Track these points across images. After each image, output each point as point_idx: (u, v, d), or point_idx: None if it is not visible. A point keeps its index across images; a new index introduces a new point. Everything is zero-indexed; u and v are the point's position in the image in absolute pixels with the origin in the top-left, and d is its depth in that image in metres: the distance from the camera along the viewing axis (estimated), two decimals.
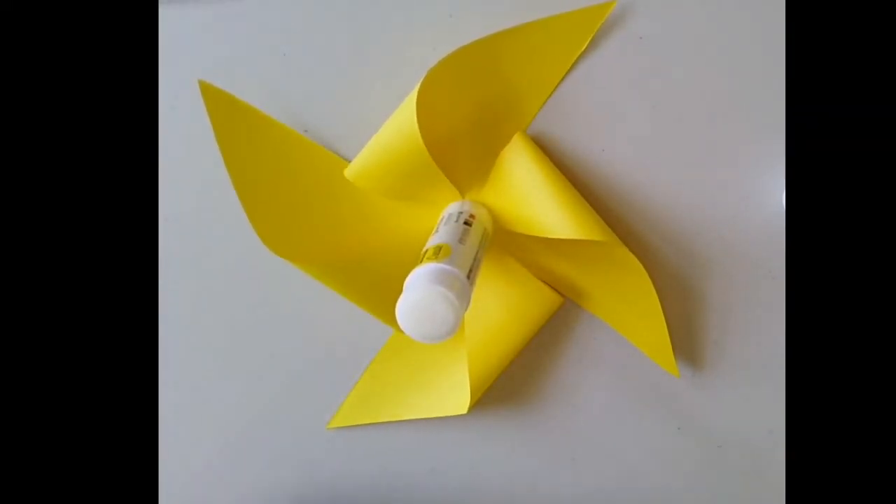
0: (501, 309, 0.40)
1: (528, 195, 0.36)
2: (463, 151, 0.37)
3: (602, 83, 0.36)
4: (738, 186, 0.37)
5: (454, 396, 0.40)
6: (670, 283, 0.39)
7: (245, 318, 0.44)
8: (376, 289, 0.39)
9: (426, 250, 0.33)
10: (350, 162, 0.38)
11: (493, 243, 0.37)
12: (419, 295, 0.30)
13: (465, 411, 0.40)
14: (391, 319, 0.31)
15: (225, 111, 0.38)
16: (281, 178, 0.39)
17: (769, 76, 0.35)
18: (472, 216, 0.36)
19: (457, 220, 0.35)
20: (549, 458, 0.44)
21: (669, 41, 0.35)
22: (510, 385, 0.43)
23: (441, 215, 0.37)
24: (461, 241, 0.33)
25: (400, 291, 0.31)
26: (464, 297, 0.30)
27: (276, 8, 0.37)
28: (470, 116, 0.37)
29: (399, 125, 0.35)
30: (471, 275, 0.32)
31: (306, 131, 0.39)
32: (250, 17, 0.38)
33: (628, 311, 0.39)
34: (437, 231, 0.35)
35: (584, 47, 0.36)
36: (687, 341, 0.40)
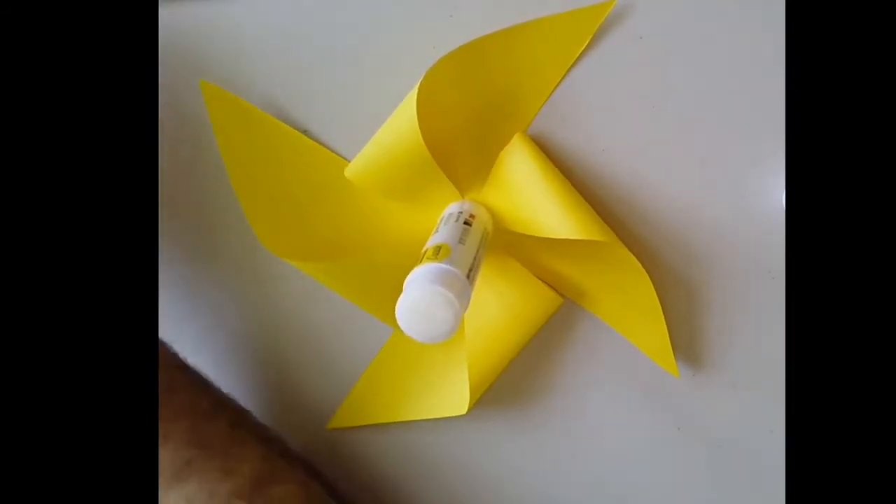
0: (501, 309, 0.40)
1: (528, 195, 0.36)
2: (463, 151, 0.37)
3: (602, 83, 0.36)
4: (738, 186, 0.37)
5: (454, 397, 0.40)
6: (670, 283, 0.39)
7: (245, 317, 0.44)
8: (376, 288, 0.39)
9: (426, 250, 0.33)
10: (350, 162, 0.38)
11: (493, 243, 0.37)
12: (419, 294, 0.30)
13: (464, 412, 0.40)
14: (391, 319, 0.31)
15: (225, 111, 0.38)
16: (281, 177, 0.39)
17: (769, 76, 0.35)
18: (472, 216, 0.36)
19: (457, 220, 0.35)
20: (549, 458, 0.44)
21: (669, 41, 0.35)
22: (510, 385, 0.43)
23: (441, 215, 0.37)
24: (461, 240, 0.33)
25: (400, 291, 0.31)
26: (463, 297, 0.31)
27: (276, 8, 0.37)
28: (470, 116, 0.37)
29: (399, 125, 0.35)
30: (471, 275, 0.32)
31: (306, 131, 0.39)
32: (250, 17, 0.38)
33: (628, 310, 0.39)
34: (437, 231, 0.35)
35: (583, 47, 0.36)
36: (687, 341, 0.40)
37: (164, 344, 0.38)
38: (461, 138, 0.37)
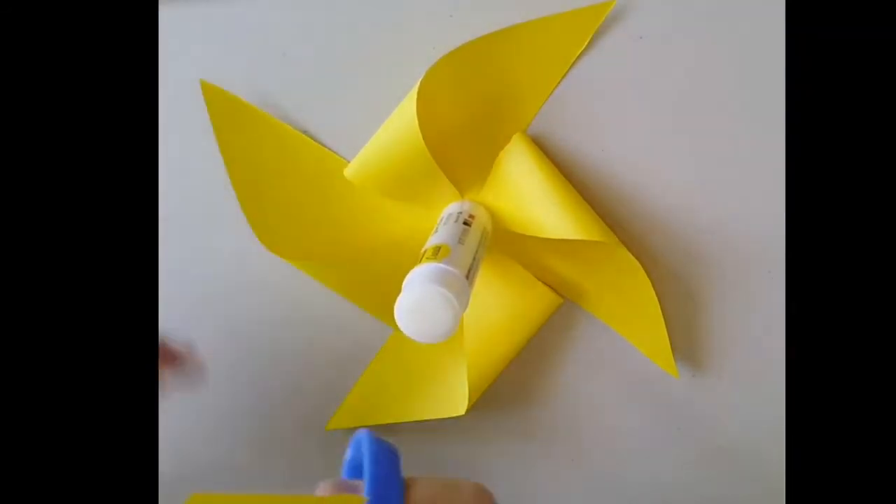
0: (500, 309, 0.40)
1: (528, 195, 0.36)
2: (463, 151, 0.37)
3: (602, 83, 0.36)
4: (738, 186, 0.37)
5: (452, 397, 0.40)
6: (670, 284, 0.39)
7: (244, 318, 0.44)
8: (376, 288, 0.39)
9: (425, 250, 0.33)
10: (350, 162, 0.38)
11: (492, 243, 0.37)
12: (418, 294, 0.30)
13: (462, 412, 0.40)
14: (391, 319, 0.31)
15: (226, 110, 0.38)
16: (281, 177, 0.39)
17: (769, 76, 0.35)
18: (471, 216, 0.36)
19: (456, 220, 0.35)
20: (548, 459, 0.44)
21: (669, 41, 0.35)
22: (509, 386, 0.43)
23: (441, 215, 0.37)
24: (460, 241, 0.33)
25: (399, 291, 0.31)
26: (462, 297, 0.30)
27: (275, 8, 0.37)
28: (470, 116, 0.37)
29: (399, 124, 0.35)
30: (470, 274, 0.32)
31: (306, 131, 0.39)
32: (250, 18, 0.38)
33: (627, 311, 0.39)
34: (436, 231, 0.35)
35: (583, 47, 0.36)
36: (686, 342, 0.40)
37: None
38: (461, 138, 0.37)
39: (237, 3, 0.37)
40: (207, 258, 0.42)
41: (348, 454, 0.28)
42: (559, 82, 0.36)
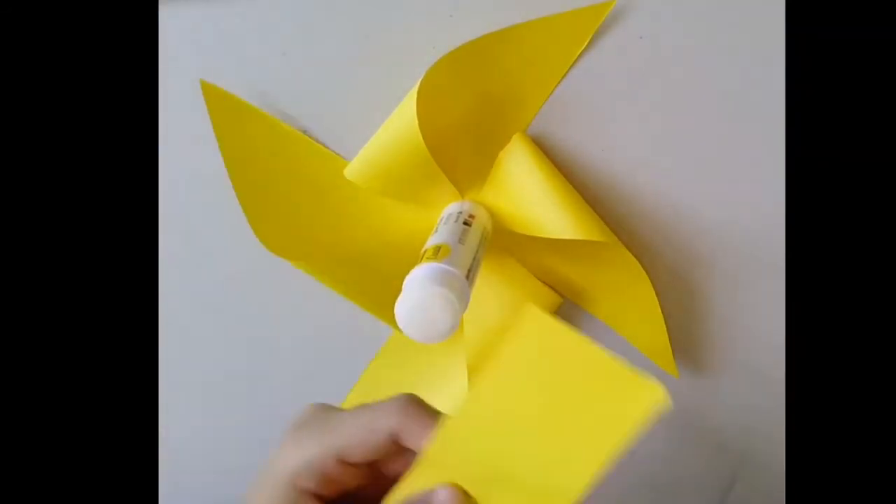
0: (500, 309, 0.40)
1: (528, 195, 0.36)
2: (463, 151, 0.37)
3: (602, 83, 0.36)
4: (738, 186, 0.37)
5: (452, 397, 0.40)
6: (670, 284, 0.39)
7: (244, 318, 0.43)
8: (376, 288, 0.39)
9: (426, 250, 0.33)
10: (350, 162, 0.38)
11: (492, 243, 0.37)
12: (418, 295, 0.30)
13: None
14: (391, 319, 0.31)
15: (225, 111, 0.38)
16: (281, 177, 0.39)
17: (769, 76, 0.35)
18: (471, 216, 0.36)
19: (456, 220, 0.35)
20: None
21: (669, 41, 0.35)
22: None
23: (441, 215, 0.37)
24: (461, 240, 0.33)
25: (399, 291, 0.31)
26: (463, 297, 0.30)
27: (275, 8, 0.37)
28: (470, 116, 0.37)
29: (399, 124, 0.35)
30: (470, 274, 0.32)
31: (306, 131, 0.39)
32: (250, 17, 0.38)
33: (627, 311, 0.39)
34: (436, 231, 0.35)
35: (583, 47, 0.36)
36: (686, 342, 0.40)
37: None
38: (461, 138, 0.37)
39: (237, 3, 0.37)
40: (207, 258, 0.42)
41: None
42: (559, 82, 0.36)
